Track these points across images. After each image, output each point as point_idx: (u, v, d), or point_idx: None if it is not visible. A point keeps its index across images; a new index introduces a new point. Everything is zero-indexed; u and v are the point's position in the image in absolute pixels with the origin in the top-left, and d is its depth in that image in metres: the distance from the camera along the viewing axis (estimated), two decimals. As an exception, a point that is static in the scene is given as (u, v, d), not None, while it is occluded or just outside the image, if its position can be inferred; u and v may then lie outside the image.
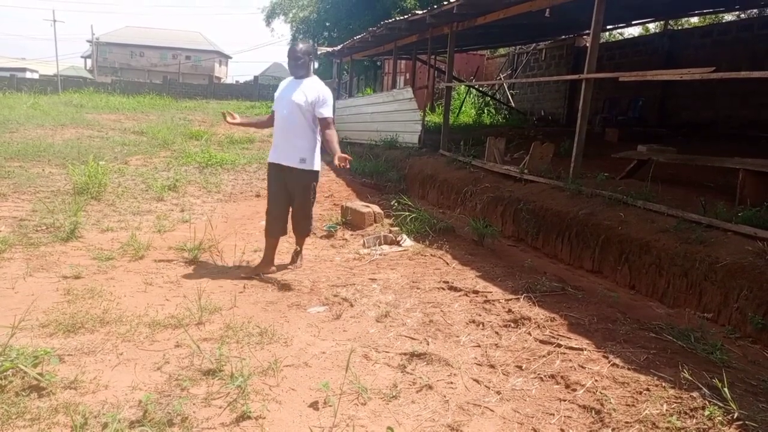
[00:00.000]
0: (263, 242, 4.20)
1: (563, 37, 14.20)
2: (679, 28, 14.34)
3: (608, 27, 12.78)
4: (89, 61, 54.92)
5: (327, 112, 3.95)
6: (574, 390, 2.36)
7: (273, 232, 4.17)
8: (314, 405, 2.33)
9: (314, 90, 3.93)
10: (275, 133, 4.11)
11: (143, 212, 5.87)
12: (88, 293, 3.44)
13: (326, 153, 4.14)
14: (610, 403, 2.21)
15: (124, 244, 4.50)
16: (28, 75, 40.16)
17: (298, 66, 3.96)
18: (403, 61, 16.38)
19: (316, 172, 4.12)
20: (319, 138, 4.08)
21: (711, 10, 11.18)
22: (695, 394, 2.17)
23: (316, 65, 4.13)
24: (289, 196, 4.13)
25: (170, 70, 50.38)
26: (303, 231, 4.30)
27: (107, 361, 2.62)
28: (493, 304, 3.37)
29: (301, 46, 4.03)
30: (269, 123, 4.25)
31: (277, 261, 4.28)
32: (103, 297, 3.41)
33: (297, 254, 4.38)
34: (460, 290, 3.66)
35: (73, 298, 3.35)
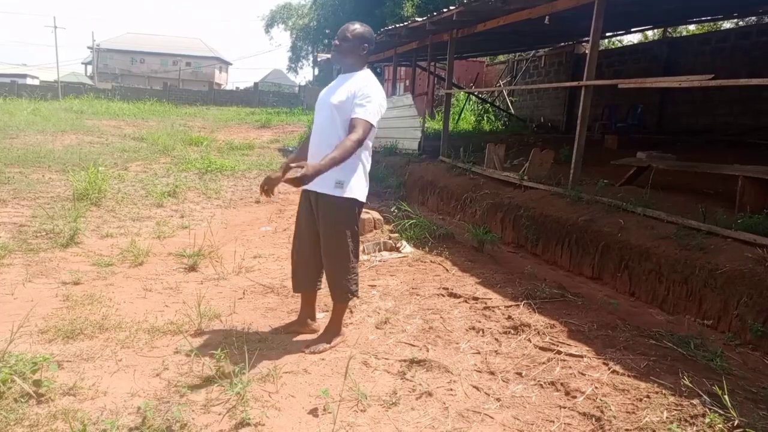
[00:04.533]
0: (263, 248, 4.11)
1: (562, 44, 14.26)
2: (678, 35, 14.41)
3: (607, 34, 12.84)
4: (90, 68, 55.10)
5: (361, 111, 2.69)
6: (574, 397, 2.36)
7: (298, 284, 3.14)
8: (313, 412, 2.32)
9: (356, 83, 2.79)
10: (309, 148, 2.94)
11: (143, 218, 5.87)
12: (88, 299, 3.44)
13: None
14: (611, 410, 2.21)
15: (123, 250, 4.50)
16: (29, 81, 40.27)
17: (342, 51, 2.84)
18: (403, 68, 16.44)
19: (354, 201, 2.87)
20: (364, 155, 2.89)
21: (710, 18, 11.25)
22: (695, 401, 2.17)
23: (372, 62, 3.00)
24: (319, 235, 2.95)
25: (170, 77, 50.50)
26: (336, 292, 2.98)
27: (106, 367, 2.61)
28: (493, 311, 3.37)
29: (356, 25, 2.86)
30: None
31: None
32: (102, 303, 3.41)
33: (329, 326, 3.07)
34: (460, 297, 3.65)
35: (73, 304, 3.35)
